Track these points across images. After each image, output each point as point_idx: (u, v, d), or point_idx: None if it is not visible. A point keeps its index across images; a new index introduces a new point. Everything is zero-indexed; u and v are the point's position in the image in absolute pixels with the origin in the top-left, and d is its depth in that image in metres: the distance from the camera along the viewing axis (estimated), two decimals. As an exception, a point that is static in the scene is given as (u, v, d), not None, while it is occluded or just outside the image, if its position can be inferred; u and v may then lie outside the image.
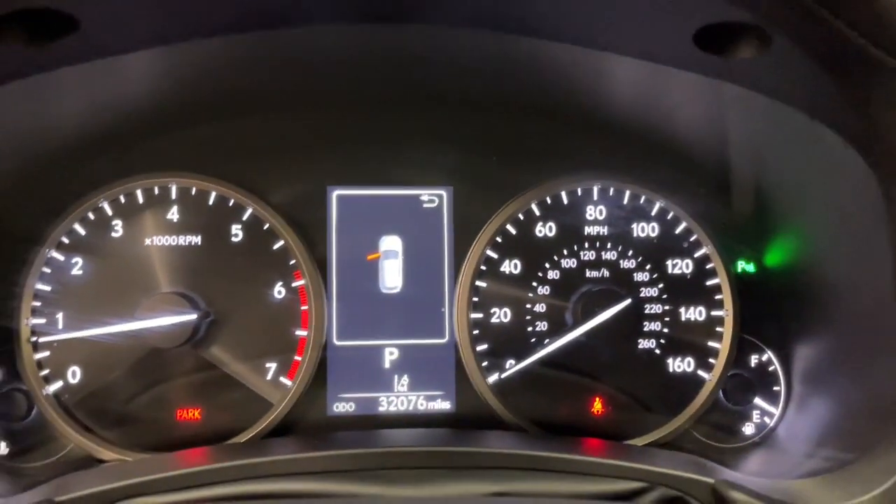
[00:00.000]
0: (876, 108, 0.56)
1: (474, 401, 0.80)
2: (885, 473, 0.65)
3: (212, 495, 0.64)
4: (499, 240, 0.80)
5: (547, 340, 0.79)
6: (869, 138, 0.59)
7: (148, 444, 0.77)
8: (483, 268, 0.80)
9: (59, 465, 0.77)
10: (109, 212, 0.76)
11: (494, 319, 0.80)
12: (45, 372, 0.77)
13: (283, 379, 0.78)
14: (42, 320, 0.76)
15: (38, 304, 0.76)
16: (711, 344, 0.81)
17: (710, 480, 0.66)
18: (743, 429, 0.82)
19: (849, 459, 0.70)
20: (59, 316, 0.77)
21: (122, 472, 0.68)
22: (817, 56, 0.55)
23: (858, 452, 0.69)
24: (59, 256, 0.76)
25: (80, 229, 0.77)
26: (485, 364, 0.80)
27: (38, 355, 0.77)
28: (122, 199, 0.77)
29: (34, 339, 0.76)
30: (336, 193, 0.80)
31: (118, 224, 0.77)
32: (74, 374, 0.77)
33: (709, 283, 0.80)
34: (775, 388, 0.83)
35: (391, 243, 0.81)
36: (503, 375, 0.80)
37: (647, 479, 0.67)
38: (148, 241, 0.78)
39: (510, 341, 0.82)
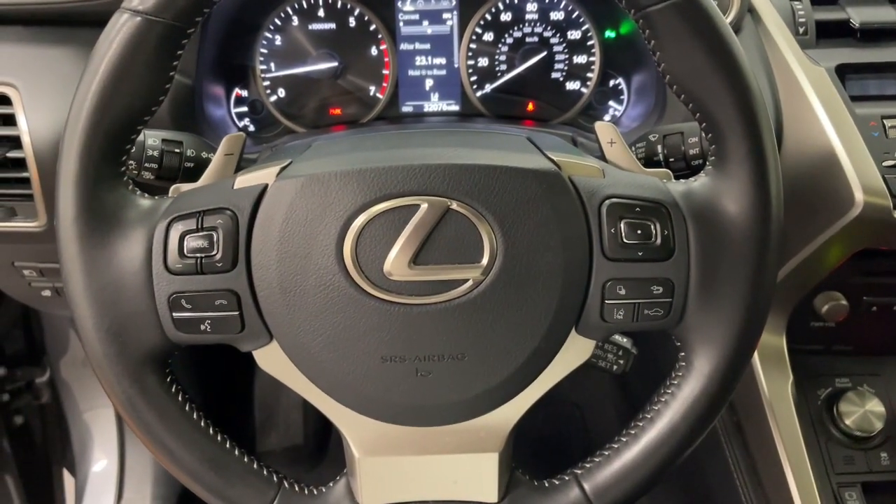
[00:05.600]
0: None
1: (470, 105, 1.19)
2: (643, 128, 1.03)
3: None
4: (482, 22, 1.16)
5: (505, 74, 1.18)
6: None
7: (318, 125, 1.18)
8: (473, 37, 1.16)
9: (278, 135, 1.16)
10: (291, 12, 1.14)
11: (479, 64, 1.18)
12: (268, 91, 1.17)
13: (378, 95, 1.19)
14: (265, 66, 1.16)
15: (262, 57, 1.16)
16: (589, 75, 1.18)
17: (570, 134, 1.03)
18: (604, 117, 1.20)
19: (639, 126, 1.10)
20: (272, 63, 1.16)
21: (312, 133, 1.13)
22: None
23: (641, 123, 1.11)
24: (269, 35, 1.15)
25: (277, 21, 1.14)
26: (475, 87, 1.19)
27: (265, 83, 1.16)
28: (296, 5, 1.14)
29: (262, 74, 1.16)
30: (399, 2, 1.14)
31: (295, 18, 1.14)
32: (282, 92, 1.18)
33: (589, 43, 1.17)
34: (621, 97, 1.20)
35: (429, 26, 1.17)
36: (484, 92, 1.19)
37: (541, 132, 1.00)
38: (310, 26, 1.15)
39: (487, 74, 1.18)
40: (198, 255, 0.62)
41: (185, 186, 0.68)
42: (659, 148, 0.89)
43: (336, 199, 0.61)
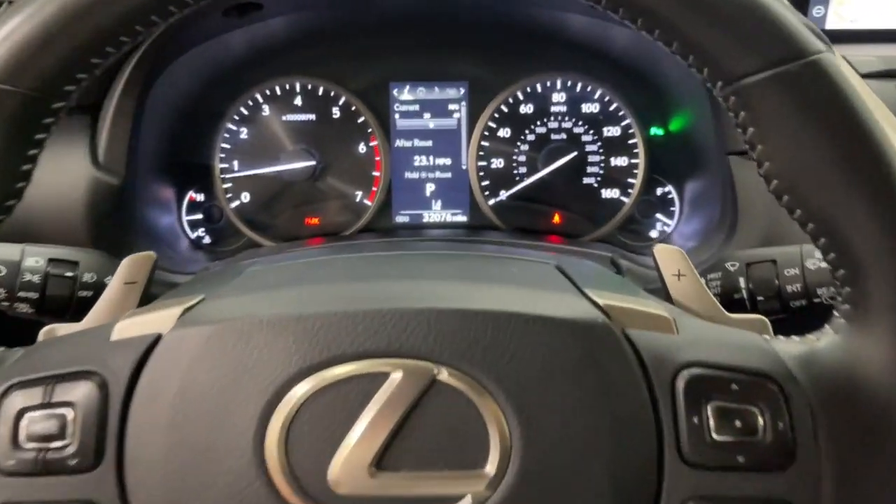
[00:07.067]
0: None
1: (480, 216, 1.11)
2: (705, 252, 0.93)
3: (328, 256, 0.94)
4: (496, 115, 1.09)
5: (525, 178, 1.10)
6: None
7: (289, 237, 1.10)
8: (486, 133, 1.10)
9: (239, 249, 1.11)
10: (260, 99, 1.09)
11: (493, 166, 1.11)
12: (229, 195, 1.10)
13: (366, 201, 1.11)
14: (226, 164, 1.09)
15: (223, 154, 1.09)
16: (630, 180, 1.10)
17: (609, 254, 0.95)
18: (650, 233, 1.12)
19: (697, 246, 1.00)
20: (235, 162, 1.10)
21: (278, 248, 1.05)
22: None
23: (702, 243, 1.00)
24: (234, 126, 1.09)
25: (244, 110, 1.09)
26: (486, 193, 1.11)
27: (225, 185, 1.10)
28: (267, 92, 1.08)
29: (222, 175, 1.09)
30: (395, 89, 1.10)
31: (265, 106, 1.09)
32: (246, 197, 1.11)
33: (630, 141, 1.10)
34: (672, 209, 1.12)
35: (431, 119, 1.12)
36: (497, 200, 1.11)
37: (572, 254, 0.94)
38: (283, 117, 1.09)
39: (502, 179, 1.10)
40: (41, 445, 0.46)
41: (64, 328, 0.56)
42: (741, 281, 0.76)
43: (259, 363, 0.46)
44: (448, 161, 1.13)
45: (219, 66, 1.07)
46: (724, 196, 0.97)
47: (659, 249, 0.62)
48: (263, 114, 1.10)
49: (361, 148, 1.11)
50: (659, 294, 0.63)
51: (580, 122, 1.11)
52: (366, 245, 1.03)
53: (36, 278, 0.72)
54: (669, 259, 0.61)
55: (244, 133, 1.11)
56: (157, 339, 0.48)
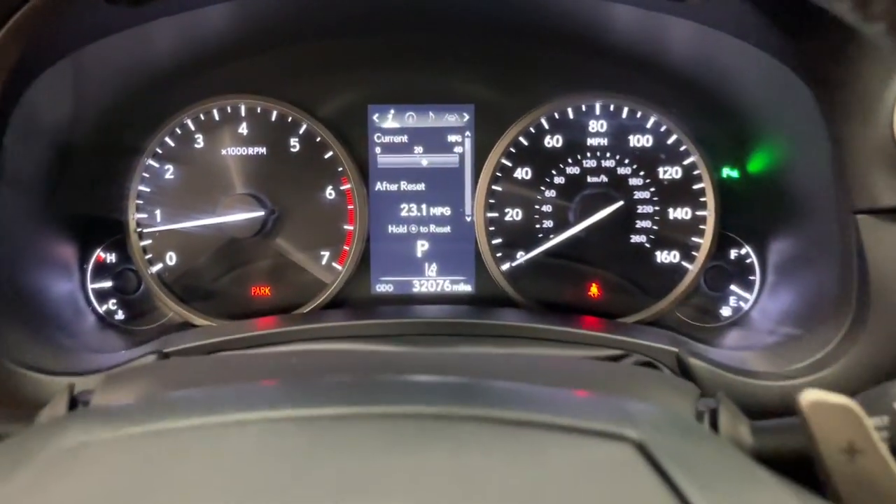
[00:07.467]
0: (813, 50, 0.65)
1: (490, 285, 0.98)
2: (818, 347, 0.79)
3: (281, 351, 0.83)
4: (512, 150, 0.96)
5: (552, 235, 0.96)
6: (807, 69, 0.71)
7: (230, 314, 0.97)
8: (499, 174, 0.96)
9: (162, 329, 0.96)
10: (192, 127, 0.96)
11: (508, 218, 0.97)
12: (149, 256, 0.97)
13: (334, 264, 0.97)
14: (145, 215, 0.96)
15: (140, 202, 0.96)
16: (695, 239, 0.96)
17: (675, 350, 0.80)
18: (721, 311, 0.97)
19: (798, 335, 0.86)
20: (158, 212, 0.96)
21: (212, 332, 0.86)
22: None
23: (807, 331, 0.86)
24: (155, 164, 0.96)
25: (170, 142, 0.96)
26: (499, 255, 0.97)
27: (143, 242, 0.96)
28: (202, 117, 0.96)
29: (139, 229, 0.96)
30: (376, 114, 0.97)
31: (199, 137, 0.96)
32: (171, 258, 0.97)
33: (695, 186, 0.95)
34: (751, 278, 0.97)
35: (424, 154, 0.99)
36: (514, 264, 0.97)
37: (622, 348, 0.81)
38: (224, 152, 0.96)
39: (521, 236, 0.98)
40: None
41: None
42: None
43: None
44: (447, 210, 0.99)
45: (132, 80, 0.92)
46: (844, 268, 0.78)
47: (813, 403, 0.44)
48: (196, 146, 0.96)
49: (329, 193, 0.97)
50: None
51: (627, 161, 0.96)
52: (330, 330, 0.85)
53: None
54: (834, 421, 0.43)
55: (169, 172, 0.96)
56: None
